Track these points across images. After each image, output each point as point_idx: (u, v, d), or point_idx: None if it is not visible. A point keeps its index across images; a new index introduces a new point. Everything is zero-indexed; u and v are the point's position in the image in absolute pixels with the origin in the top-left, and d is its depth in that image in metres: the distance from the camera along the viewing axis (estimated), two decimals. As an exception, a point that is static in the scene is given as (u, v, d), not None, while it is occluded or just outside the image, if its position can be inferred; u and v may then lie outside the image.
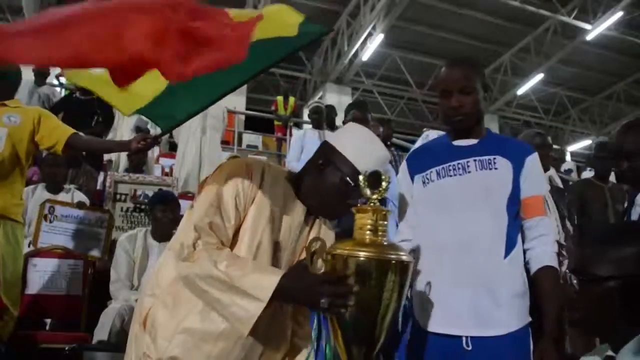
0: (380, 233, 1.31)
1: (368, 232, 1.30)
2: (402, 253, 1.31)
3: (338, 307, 1.27)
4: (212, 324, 1.42)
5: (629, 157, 1.87)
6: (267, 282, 1.31)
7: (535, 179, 1.79)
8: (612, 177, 4.48)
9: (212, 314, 1.41)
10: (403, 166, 1.96)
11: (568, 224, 2.75)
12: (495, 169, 1.75)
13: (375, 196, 1.32)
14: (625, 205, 4.31)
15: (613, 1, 11.06)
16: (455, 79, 1.77)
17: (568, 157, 13.65)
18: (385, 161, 1.59)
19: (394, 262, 1.27)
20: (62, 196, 4.12)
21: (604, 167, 4.24)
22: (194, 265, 1.36)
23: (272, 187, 1.52)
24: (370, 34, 11.96)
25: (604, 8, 11.34)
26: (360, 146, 1.54)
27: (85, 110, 5.84)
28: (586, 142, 16.06)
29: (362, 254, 1.25)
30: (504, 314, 1.66)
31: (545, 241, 1.75)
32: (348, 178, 1.49)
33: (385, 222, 1.33)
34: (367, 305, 1.27)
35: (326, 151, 1.56)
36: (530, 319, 1.72)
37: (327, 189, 1.52)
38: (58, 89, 6.98)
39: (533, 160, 1.80)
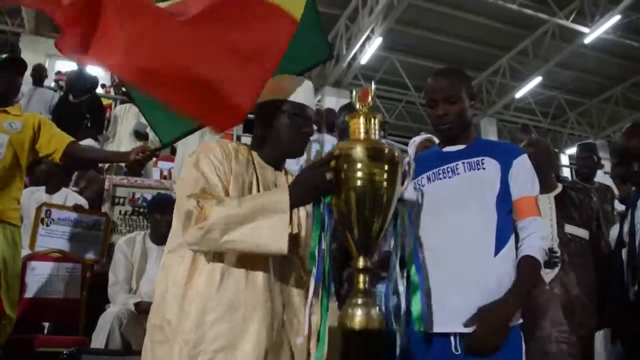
0: (372, 133, 1.48)
1: (361, 133, 1.47)
2: (392, 146, 1.48)
3: (339, 182, 1.42)
4: (234, 292, 1.49)
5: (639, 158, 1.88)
6: (280, 196, 1.44)
7: (525, 180, 1.81)
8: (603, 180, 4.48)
9: (229, 282, 1.49)
10: None
11: (570, 228, 2.70)
12: (483, 168, 1.79)
13: (364, 107, 1.49)
14: (617, 206, 4.32)
15: (611, 5, 11.08)
16: (440, 89, 1.83)
17: (565, 161, 13.69)
18: (307, 81, 1.78)
19: (386, 150, 1.44)
20: (56, 197, 4.12)
21: (588, 168, 4.24)
22: (208, 220, 1.41)
23: (241, 158, 1.64)
24: (368, 38, 11.97)
25: (601, 11, 11.35)
26: (283, 85, 1.73)
27: (74, 114, 5.87)
28: (584, 145, 16.04)
29: (358, 146, 1.43)
30: None
31: (534, 237, 1.76)
32: (294, 112, 1.68)
33: (376, 125, 1.49)
34: (365, 194, 1.41)
35: (262, 109, 1.73)
36: (521, 320, 1.74)
37: (282, 132, 1.69)
38: (56, 92, 6.97)
39: (521, 161, 1.82)
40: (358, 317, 1.39)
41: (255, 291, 1.51)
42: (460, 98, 1.82)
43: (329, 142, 5.46)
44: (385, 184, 1.43)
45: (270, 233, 1.40)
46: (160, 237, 3.36)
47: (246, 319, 1.48)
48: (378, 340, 1.41)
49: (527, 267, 1.73)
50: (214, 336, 1.45)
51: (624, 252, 2.38)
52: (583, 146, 4.47)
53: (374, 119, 1.49)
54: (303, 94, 1.72)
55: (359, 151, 1.42)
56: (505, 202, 1.77)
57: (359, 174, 1.41)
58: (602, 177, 4.92)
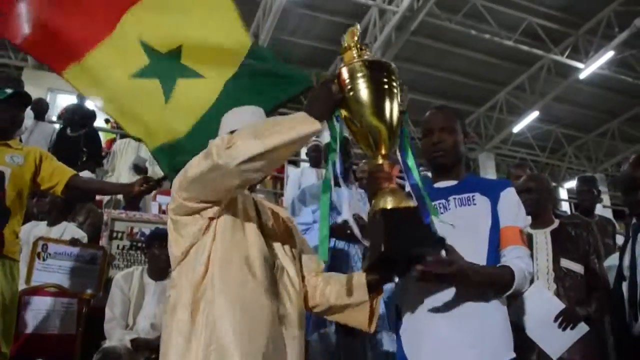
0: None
1: (354, 55, 1.61)
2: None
3: (345, 98, 1.53)
4: (241, 287, 1.52)
5: None
6: (298, 114, 1.47)
7: (511, 211, 1.85)
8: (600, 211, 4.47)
9: (234, 279, 1.52)
10: None
11: (566, 262, 2.68)
12: (474, 204, 1.84)
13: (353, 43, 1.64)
14: (618, 240, 4.30)
15: (604, 41, 11.27)
16: (437, 120, 1.93)
17: (564, 195, 13.70)
18: (253, 107, 1.90)
19: (382, 61, 1.62)
20: (55, 230, 4.10)
21: (588, 201, 4.25)
22: (238, 134, 1.43)
23: None
24: (367, 73, 12.11)
25: (595, 47, 11.53)
26: (233, 117, 1.83)
27: (73, 148, 5.91)
28: (583, 179, 16.06)
29: (357, 61, 1.58)
30: (487, 345, 1.69)
31: (517, 260, 1.76)
32: None
33: (367, 53, 1.64)
34: (371, 99, 1.54)
35: None
36: (514, 355, 1.74)
37: None
38: (57, 125, 7.01)
39: (508, 194, 1.87)
40: (389, 200, 1.54)
41: (259, 289, 1.55)
42: (455, 130, 1.91)
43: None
44: (386, 87, 1.56)
45: (303, 119, 1.44)
46: (158, 272, 3.34)
47: (253, 311, 1.51)
48: (410, 215, 1.51)
49: (499, 268, 1.74)
50: (224, 331, 1.46)
51: (624, 285, 2.37)
52: (583, 179, 4.49)
53: (365, 47, 1.65)
54: (252, 118, 1.79)
55: (358, 64, 1.57)
56: (496, 236, 1.80)
57: (362, 82, 1.55)
58: (601, 211, 4.92)
